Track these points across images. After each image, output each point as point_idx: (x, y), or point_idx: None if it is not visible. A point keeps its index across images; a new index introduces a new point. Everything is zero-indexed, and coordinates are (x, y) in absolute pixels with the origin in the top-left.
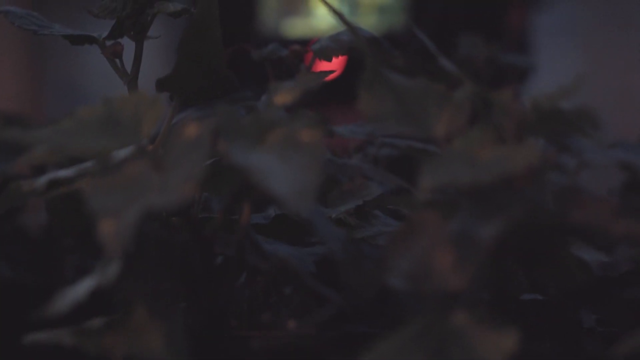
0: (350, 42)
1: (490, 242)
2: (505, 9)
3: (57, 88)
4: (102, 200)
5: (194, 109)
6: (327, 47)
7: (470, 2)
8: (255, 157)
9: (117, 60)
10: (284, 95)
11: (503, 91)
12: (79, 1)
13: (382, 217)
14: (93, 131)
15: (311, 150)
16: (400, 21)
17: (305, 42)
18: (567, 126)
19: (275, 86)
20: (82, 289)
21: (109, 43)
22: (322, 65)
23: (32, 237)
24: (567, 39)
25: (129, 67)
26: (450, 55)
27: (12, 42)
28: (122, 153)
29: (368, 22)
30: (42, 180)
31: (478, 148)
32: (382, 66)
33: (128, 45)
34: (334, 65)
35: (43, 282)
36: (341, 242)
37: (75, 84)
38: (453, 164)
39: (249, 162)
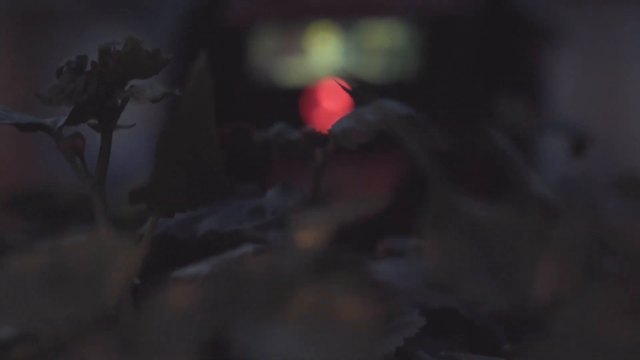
0: (378, 122)
1: None
2: (525, 48)
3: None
4: None
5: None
6: (350, 130)
7: (489, 44)
8: (273, 345)
9: (77, 158)
10: (310, 233)
11: (629, 226)
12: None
13: None
14: (31, 294)
15: (356, 333)
16: (412, 66)
17: (302, 89)
18: None
19: (296, 217)
20: None
21: (67, 133)
22: (327, 108)
23: None
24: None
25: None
26: (486, 119)
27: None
28: (72, 328)
29: (375, 66)
30: None
31: (603, 321)
32: (449, 192)
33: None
34: (340, 107)
35: None
36: None
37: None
38: (568, 350)
39: (265, 353)
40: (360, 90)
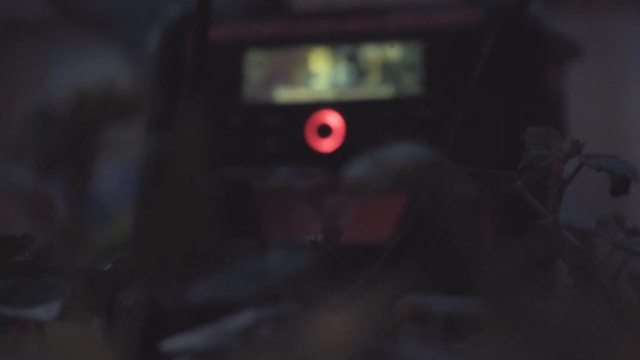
0: (400, 168)
1: None
2: (542, 67)
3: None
4: None
5: None
6: (367, 178)
7: (502, 63)
8: None
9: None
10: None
11: None
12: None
13: None
14: None
15: None
16: (414, 82)
17: (301, 110)
18: None
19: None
20: None
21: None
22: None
23: None
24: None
25: None
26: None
27: None
28: None
29: (374, 84)
30: None
31: None
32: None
33: None
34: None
35: None
36: None
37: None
38: None
39: None
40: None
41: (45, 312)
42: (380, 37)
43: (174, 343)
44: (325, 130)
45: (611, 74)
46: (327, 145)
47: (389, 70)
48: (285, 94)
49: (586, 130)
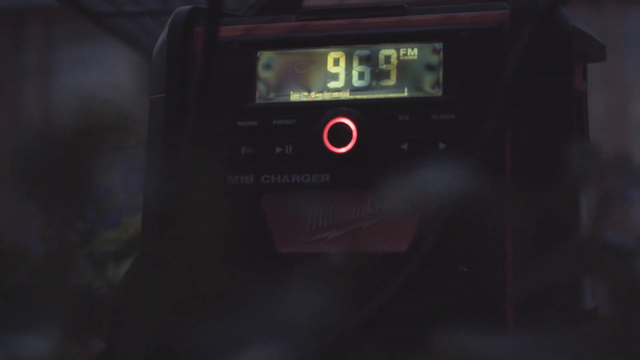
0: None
1: None
2: (569, 69)
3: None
4: None
5: None
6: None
7: (525, 67)
8: None
9: None
10: None
11: None
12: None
13: None
14: None
15: None
16: (433, 83)
17: (316, 111)
18: None
19: None
20: None
21: None
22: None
23: None
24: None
25: None
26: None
27: None
28: None
29: (391, 85)
30: None
31: None
32: None
33: None
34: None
35: None
36: None
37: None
38: None
39: None
40: None
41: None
42: (398, 37)
43: None
44: (340, 132)
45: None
46: (342, 146)
47: (406, 71)
48: (299, 95)
49: (594, 128)
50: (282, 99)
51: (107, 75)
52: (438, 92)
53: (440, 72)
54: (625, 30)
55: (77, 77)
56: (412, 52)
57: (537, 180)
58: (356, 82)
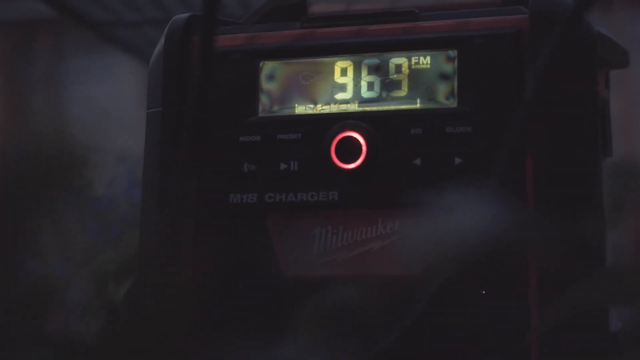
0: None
1: None
2: (594, 78)
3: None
4: None
5: None
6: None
7: (544, 72)
8: None
9: None
10: None
11: None
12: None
13: None
14: None
15: None
16: (447, 93)
17: (323, 124)
18: None
19: None
20: None
21: None
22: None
23: None
24: None
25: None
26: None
27: None
28: None
29: (402, 96)
30: None
31: None
32: None
33: None
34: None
35: None
36: None
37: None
38: None
39: None
40: None
41: None
42: (409, 44)
43: None
44: (349, 147)
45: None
46: (351, 161)
47: (419, 81)
48: (305, 108)
49: None
50: (286, 112)
51: (115, 86)
52: (453, 103)
53: (455, 82)
54: (636, 34)
55: (85, 88)
56: (424, 61)
57: (561, 198)
58: (365, 93)
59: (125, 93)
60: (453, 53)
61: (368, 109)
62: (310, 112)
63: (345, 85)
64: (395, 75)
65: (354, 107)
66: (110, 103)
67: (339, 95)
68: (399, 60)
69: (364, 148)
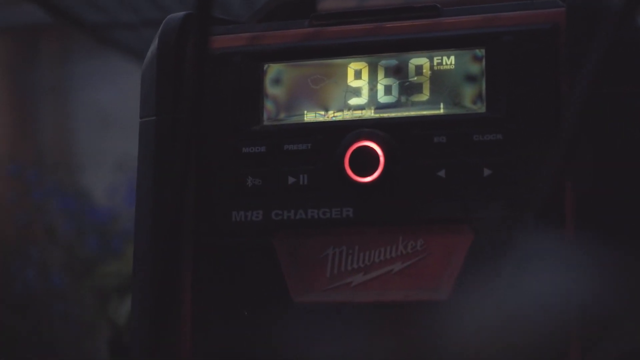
0: None
1: None
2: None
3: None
4: None
5: None
6: None
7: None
8: None
9: None
10: None
11: None
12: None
13: None
14: None
15: None
16: (473, 98)
17: (335, 133)
18: None
19: None
20: None
21: None
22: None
23: None
24: None
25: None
26: None
27: None
28: None
29: (423, 100)
30: None
31: None
32: None
33: None
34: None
35: None
36: None
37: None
38: None
39: None
40: None
41: None
42: (431, 43)
43: None
44: (365, 158)
45: None
46: (367, 174)
47: (442, 84)
48: (315, 115)
49: None
50: (294, 120)
51: (122, 90)
52: (481, 108)
53: (483, 84)
54: None
55: (92, 93)
56: (448, 61)
57: (604, 225)
58: (382, 98)
59: (132, 95)
60: (480, 52)
61: (385, 115)
62: (320, 119)
63: (360, 90)
64: (415, 78)
65: (369, 114)
66: (115, 108)
67: (353, 101)
68: (419, 60)
69: (382, 159)
